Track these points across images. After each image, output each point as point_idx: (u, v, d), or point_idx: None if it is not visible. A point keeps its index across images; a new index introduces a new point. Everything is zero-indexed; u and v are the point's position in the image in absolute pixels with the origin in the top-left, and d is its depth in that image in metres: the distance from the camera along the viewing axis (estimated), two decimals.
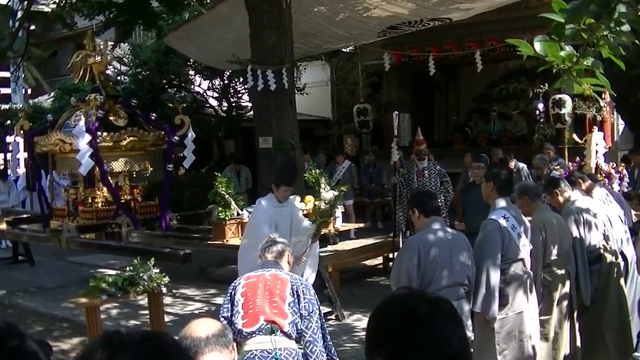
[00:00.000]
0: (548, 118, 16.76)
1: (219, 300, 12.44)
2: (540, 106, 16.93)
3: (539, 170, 13.20)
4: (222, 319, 5.40)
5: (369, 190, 19.46)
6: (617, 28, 4.00)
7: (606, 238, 7.97)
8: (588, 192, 8.73)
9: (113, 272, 10.93)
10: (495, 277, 6.56)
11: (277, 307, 5.44)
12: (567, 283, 7.51)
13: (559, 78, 4.38)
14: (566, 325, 7.56)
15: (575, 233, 7.74)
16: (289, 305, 5.46)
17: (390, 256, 13.43)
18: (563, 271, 7.45)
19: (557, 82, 4.54)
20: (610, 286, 7.71)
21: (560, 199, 8.11)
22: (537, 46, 4.10)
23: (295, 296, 5.51)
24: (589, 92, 4.51)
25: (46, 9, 19.10)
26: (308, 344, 5.46)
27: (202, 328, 3.47)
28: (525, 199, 7.64)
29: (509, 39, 4.39)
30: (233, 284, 5.69)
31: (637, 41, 4.16)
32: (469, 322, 6.50)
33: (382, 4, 13.80)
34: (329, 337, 5.76)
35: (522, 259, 6.84)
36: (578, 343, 7.79)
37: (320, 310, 5.70)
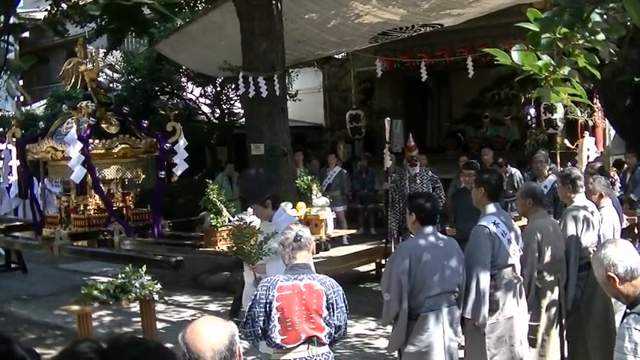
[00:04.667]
0: (540, 123, 16.79)
1: (212, 307, 12.45)
2: (532, 111, 16.97)
3: (539, 165, 12.96)
4: (258, 328, 5.41)
5: (362, 196, 19.43)
6: (592, 37, 4.01)
7: (600, 238, 7.95)
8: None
9: (105, 279, 10.92)
10: (485, 283, 6.57)
11: (315, 322, 5.42)
12: (556, 290, 7.52)
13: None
14: (555, 332, 7.56)
15: (572, 232, 7.71)
16: (325, 319, 5.44)
17: (383, 262, 13.41)
18: (552, 278, 7.46)
19: (535, 91, 4.55)
20: (596, 296, 7.70)
21: (569, 194, 8.06)
22: (515, 55, 4.10)
23: (330, 309, 5.46)
24: (567, 101, 4.51)
25: (39, 15, 19.10)
26: (330, 344, 5.57)
27: (207, 343, 3.17)
28: (528, 202, 7.63)
29: (486, 49, 4.40)
30: (263, 292, 5.45)
31: (612, 51, 4.15)
32: (459, 329, 6.52)
33: (373, 11, 13.83)
34: None
35: (512, 265, 6.85)
36: (567, 353, 7.79)
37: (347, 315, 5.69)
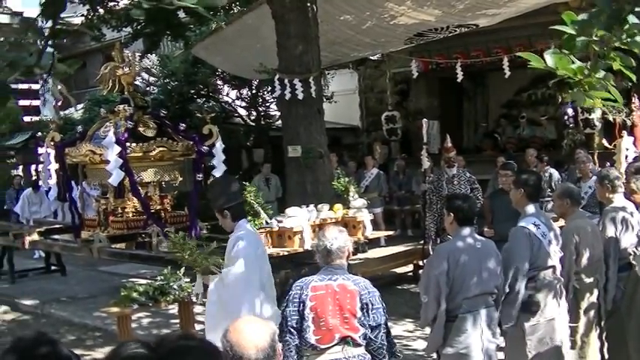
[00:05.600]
0: (578, 123, 16.66)
1: None
2: (569, 111, 16.81)
3: (582, 165, 12.88)
4: (291, 329, 5.39)
5: (399, 197, 19.38)
6: (629, 39, 3.94)
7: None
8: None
9: (144, 282, 10.99)
10: (521, 284, 6.56)
11: (349, 322, 5.38)
12: (595, 291, 7.47)
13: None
14: (594, 334, 7.51)
15: (611, 233, 7.66)
16: (359, 319, 5.39)
17: (420, 263, 13.40)
18: (591, 280, 7.41)
19: (567, 95, 4.50)
20: (637, 296, 7.63)
21: (608, 195, 8.00)
22: (548, 59, 4.04)
23: (364, 310, 5.41)
24: (600, 105, 4.43)
25: (76, 21, 19.27)
26: (376, 349, 5.45)
27: (251, 341, 3.26)
28: (566, 202, 7.60)
29: (522, 52, 4.33)
30: (297, 292, 5.49)
31: None
32: (498, 330, 6.49)
33: (408, 12, 13.81)
34: (393, 340, 5.69)
35: (553, 266, 6.81)
36: (606, 354, 7.73)
37: (387, 317, 5.60)
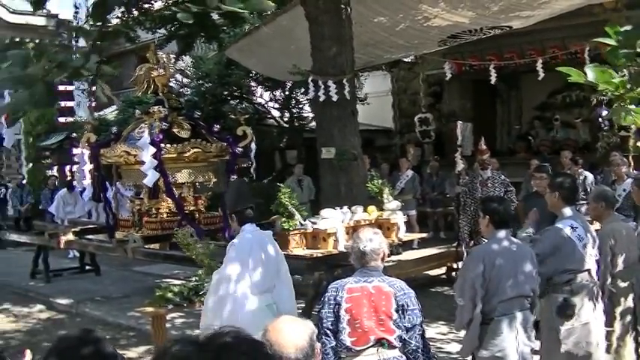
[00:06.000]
0: (612, 125, 16.54)
1: None
2: (604, 113, 16.70)
3: (616, 167, 12.82)
4: (327, 330, 5.40)
5: (432, 199, 19.35)
6: None
7: None
8: None
9: (178, 282, 11.04)
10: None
11: (384, 325, 5.38)
12: (630, 296, 7.43)
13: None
14: (630, 338, 7.47)
15: None
16: (394, 321, 5.38)
17: (454, 266, 13.37)
18: (626, 284, 7.37)
19: (611, 112, 4.42)
20: None
21: None
22: (589, 73, 3.96)
23: (400, 312, 5.40)
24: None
25: (112, 22, 19.41)
26: (411, 352, 5.44)
27: (290, 342, 3.28)
28: (601, 205, 7.58)
29: (561, 67, 4.25)
30: (333, 294, 5.50)
31: None
32: (533, 333, 6.46)
33: (442, 14, 13.77)
34: (429, 343, 5.67)
35: (589, 270, 6.78)
36: None
37: (422, 319, 5.58)
